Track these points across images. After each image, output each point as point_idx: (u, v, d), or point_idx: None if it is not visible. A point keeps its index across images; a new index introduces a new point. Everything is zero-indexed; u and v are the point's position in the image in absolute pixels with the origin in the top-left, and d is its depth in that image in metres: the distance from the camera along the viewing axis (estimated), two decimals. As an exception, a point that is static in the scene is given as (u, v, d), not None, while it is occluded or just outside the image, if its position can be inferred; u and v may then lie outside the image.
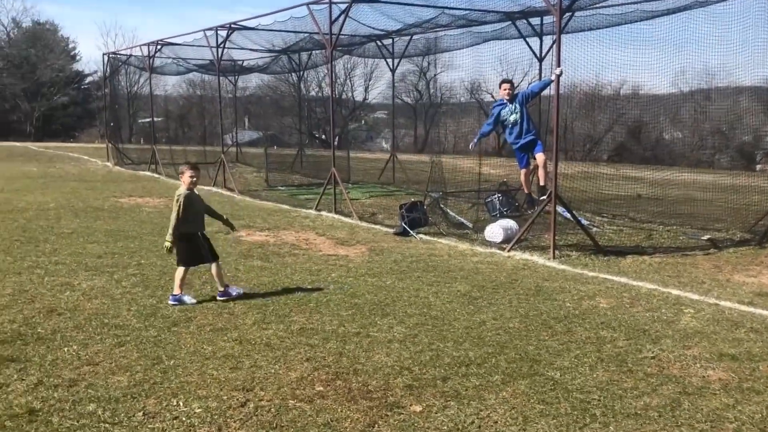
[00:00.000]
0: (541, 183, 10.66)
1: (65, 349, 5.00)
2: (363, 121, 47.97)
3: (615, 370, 4.75)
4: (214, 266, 6.48)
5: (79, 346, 5.06)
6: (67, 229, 10.21)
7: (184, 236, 6.34)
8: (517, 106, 10.25)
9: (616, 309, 6.34)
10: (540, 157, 10.43)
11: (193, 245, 6.40)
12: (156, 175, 20.79)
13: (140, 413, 3.93)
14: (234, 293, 6.49)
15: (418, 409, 4.06)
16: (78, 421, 3.82)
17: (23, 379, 4.41)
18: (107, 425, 3.78)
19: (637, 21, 11.99)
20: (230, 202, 14.61)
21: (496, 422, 3.91)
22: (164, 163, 21.44)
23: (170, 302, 6.26)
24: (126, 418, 3.86)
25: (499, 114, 10.42)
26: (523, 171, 11.00)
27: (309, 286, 6.97)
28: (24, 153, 30.64)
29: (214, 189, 17.01)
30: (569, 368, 4.77)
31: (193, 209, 6.39)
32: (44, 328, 5.49)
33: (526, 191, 11.33)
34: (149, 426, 3.78)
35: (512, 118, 10.30)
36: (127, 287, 6.82)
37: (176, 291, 6.33)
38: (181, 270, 6.36)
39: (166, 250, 6.32)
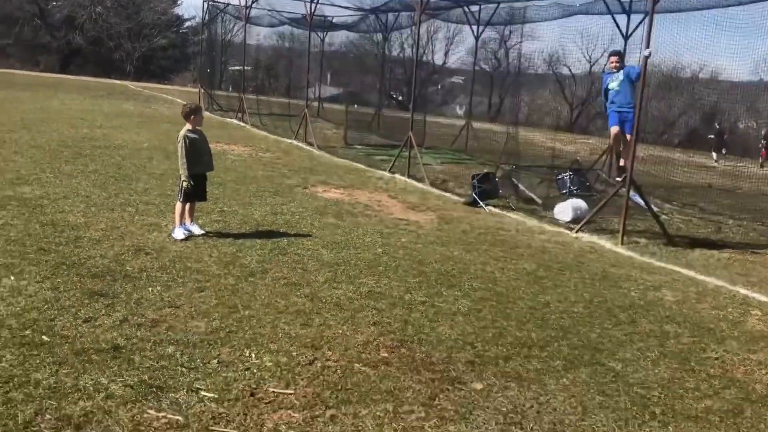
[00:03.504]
0: (621, 163, 10.62)
1: (149, 288, 5.27)
2: (440, 85, 47.50)
3: (677, 368, 4.71)
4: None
5: (163, 287, 5.34)
6: (158, 170, 10.66)
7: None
8: (622, 76, 10.47)
9: (681, 303, 6.26)
10: (629, 137, 10.33)
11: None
12: (242, 124, 21.25)
13: (215, 360, 4.13)
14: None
15: (479, 386, 4.11)
16: (157, 362, 4.02)
17: (110, 315, 4.67)
18: (184, 369, 3.97)
19: (734, 5, 11.34)
20: (309, 156, 14.90)
21: (555, 409, 3.94)
22: (250, 113, 21.92)
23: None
24: (202, 364, 4.06)
25: (607, 84, 10.74)
26: (613, 129, 10.92)
27: (379, 249, 7.10)
28: (123, 91, 31.93)
29: (296, 142, 17.31)
30: (631, 360, 4.75)
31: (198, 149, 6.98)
32: (132, 266, 5.79)
33: (614, 151, 11.35)
34: (222, 374, 3.96)
35: (614, 84, 10.54)
36: (210, 233, 7.11)
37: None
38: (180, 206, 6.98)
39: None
